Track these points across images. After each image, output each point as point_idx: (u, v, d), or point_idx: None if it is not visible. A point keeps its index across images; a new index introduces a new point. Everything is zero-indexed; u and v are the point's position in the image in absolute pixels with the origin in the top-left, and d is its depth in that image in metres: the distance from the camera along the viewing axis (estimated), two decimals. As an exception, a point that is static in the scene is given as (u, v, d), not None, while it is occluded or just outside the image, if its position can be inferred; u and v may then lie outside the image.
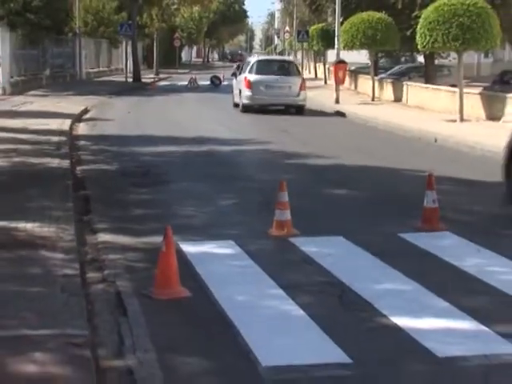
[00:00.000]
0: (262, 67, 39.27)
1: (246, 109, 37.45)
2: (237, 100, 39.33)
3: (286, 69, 40.40)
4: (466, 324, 8.68)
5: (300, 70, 46.26)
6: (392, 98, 44.94)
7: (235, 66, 57.27)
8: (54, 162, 18.63)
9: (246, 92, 37.30)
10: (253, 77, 37.70)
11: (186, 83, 61.37)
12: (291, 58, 75.67)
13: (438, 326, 8.61)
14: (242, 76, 38.44)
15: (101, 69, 69.89)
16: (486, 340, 8.23)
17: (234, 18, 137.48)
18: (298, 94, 37.71)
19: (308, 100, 38.81)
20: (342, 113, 36.69)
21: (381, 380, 7.28)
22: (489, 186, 18.15)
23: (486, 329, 8.50)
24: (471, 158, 23.34)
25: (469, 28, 30.93)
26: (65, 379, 6.70)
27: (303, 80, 38.92)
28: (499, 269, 10.93)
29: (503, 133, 27.53)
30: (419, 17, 34.59)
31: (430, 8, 32.91)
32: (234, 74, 44.05)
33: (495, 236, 12.76)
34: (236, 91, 39.89)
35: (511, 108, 31.44)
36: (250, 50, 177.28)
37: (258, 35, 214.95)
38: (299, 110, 37.76)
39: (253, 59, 43.84)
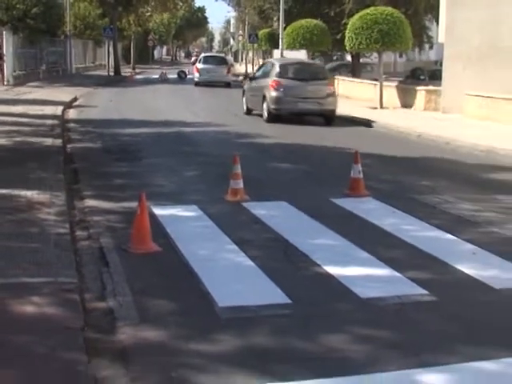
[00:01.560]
0: (206, 59, 53.67)
1: (197, 84, 49.89)
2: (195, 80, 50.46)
3: (220, 60, 55.13)
4: (384, 271, 8.76)
5: (227, 60, 58.51)
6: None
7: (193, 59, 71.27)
8: (49, 141, 18.48)
9: (196, 74, 50.89)
10: (200, 65, 51.63)
11: (158, 76, 61.26)
12: (224, 55, 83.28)
13: (361, 273, 8.67)
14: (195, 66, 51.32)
15: (87, 64, 69.44)
16: (398, 284, 8.31)
17: (197, 23, 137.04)
18: (227, 75, 51.57)
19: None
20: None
21: (315, 317, 7.29)
22: (403, 160, 18.31)
23: (399, 275, 8.59)
24: (389, 137, 23.46)
25: (387, 33, 31.76)
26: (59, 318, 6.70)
27: (230, 66, 50.60)
28: (410, 227, 11.02)
29: (413, 117, 27.91)
30: (347, 24, 34.90)
31: (356, 17, 33.52)
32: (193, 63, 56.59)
33: (407, 201, 12.83)
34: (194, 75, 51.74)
35: (420, 98, 31.72)
36: (210, 49, 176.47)
37: (217, 37, 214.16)
38: (228, 84, 49.39)
39: (201, 55, 60.77)
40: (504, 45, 27.03)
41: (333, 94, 27.92)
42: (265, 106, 27.22)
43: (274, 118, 26.82)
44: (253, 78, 30.94)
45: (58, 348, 6.05)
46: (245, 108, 30.05)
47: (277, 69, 27.86)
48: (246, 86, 31.17)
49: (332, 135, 23.38)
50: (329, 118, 27.24)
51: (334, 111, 27.43)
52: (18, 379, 5.45)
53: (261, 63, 43.54)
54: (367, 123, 26.85)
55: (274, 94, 26.75)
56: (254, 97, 28.84)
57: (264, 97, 27.24)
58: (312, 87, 27.31)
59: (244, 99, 30.46)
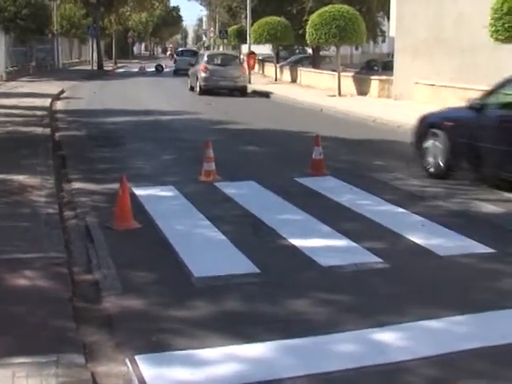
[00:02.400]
0: (181, 52, 55.39)
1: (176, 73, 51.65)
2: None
3: (194, 53, 52.81)
4: (342, 242, 8.79)
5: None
6: (289, 79, 45.04)
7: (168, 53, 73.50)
8: (39, 130, 18.35)
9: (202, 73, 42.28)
10: (179, 58, 53.38)
11: (137, 70, 61.13)
12: (195, 48, 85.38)
13: (322, 244, 8.70)
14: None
15: (73, 60, 68.88)
16: (355, 253, 8.35)
17: (172, 21, 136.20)
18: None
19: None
20: (257, 91, 36.46)
21: (281, 284, 7.31)
22: (360, 142, 18.34)
23: (356, 245, 8.62)
24: (347, 122, 23.47)
25: (343, 28, 31.88)
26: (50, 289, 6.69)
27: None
28: (366, 202, 11.05)
29: (369, 104, 27.93)
30: (308, 20, 34.87)
31: (316, 14, 33.56)
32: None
33: (363, 178, 12.86)
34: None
35: (374, 86, 31.81)
36: (185, 45, 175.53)
37: (191, 34, 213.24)
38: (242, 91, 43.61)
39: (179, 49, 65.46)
40: (446, 37, 27.18)
41: (243, 75, 36.06)
42: (197, 83, 34.51)
43: (204, 91, 33.77)
44: (192, 65, 37.87)
45: (49, 317, 6.04)
46: (188, 86, 37.40)
47: (205, 58, 36.01)
48: (189, 71, 38.10)
49: (294, 120, 23.34)
50: (241, 92, 34.44)
51: (245, 87, 35.19)
52: (15, 345, 5.41)
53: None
54: (326, 109, 26.85)
55: (203, 75, 34.09)
56: (193, 77, 36.15)
57: (197, 77, 34.56)
58: (229, 70, 34.66)
59: (188, 80, 37.97)
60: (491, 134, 12.00)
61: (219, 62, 35.48)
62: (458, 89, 24.87)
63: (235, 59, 38.00)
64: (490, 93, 12.55)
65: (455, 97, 24.92)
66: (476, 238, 8.96)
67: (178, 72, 51.01)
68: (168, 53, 71.75)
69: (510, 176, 11.54)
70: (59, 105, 27.86)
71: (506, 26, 18.03)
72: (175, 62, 55.17)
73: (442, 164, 12.93)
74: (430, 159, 13.27)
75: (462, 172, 12.80)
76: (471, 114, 12.47)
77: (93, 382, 4.97)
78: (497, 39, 18.72)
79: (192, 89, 36.10)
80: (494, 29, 18.51)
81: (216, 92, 33.44)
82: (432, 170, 13.19)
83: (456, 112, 13.58)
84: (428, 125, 13.64)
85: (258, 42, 44.32)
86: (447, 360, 5.54)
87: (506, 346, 5.82)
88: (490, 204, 10.99)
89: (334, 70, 34.70)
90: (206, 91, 33.46)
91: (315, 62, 46.23)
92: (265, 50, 51.03)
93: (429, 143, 13.33)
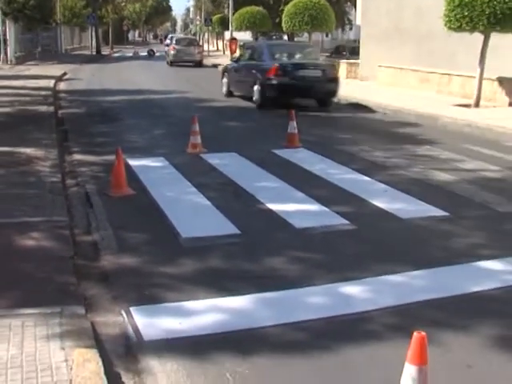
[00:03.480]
0: (178, 41, 47.13)
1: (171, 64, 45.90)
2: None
3: (191, 41, 49.40)
4: (314, 206, 8.76)
5: (198, 41, 54.65)
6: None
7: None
8: (43, 108, 18.17)
9: (171, 51, 45.09)
10: (177, 47, 46.01)
11: (132, 54, 60.73)
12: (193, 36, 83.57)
13: (296, 208, 8.67)
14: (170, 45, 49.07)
15: (74, 46, 68.35)
16: (326, 216, 8.32)
17: (162, 11, 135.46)
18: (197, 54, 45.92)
19: (211, 62, 45.76)
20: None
21: (259, 243, 7.29)
22: (330, 118, 18.30)
23: (326, 209, 8.61)
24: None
25: (315, 17, 32.02)
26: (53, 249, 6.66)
27: (199, 47, 48.63)
28: (335, 171, 11.02)
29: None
30: (284, 10, 34.80)
31: (291, 4, 33.62)
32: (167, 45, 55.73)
33: (333, 150, 12.81)
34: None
35: (343, 69, 31.75)
36: (174, 32, 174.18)
37: (179, 22, 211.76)
38: (198, 63, 44.26)
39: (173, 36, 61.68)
40: (406, 26, 27.26)
41: (200, 52, 45.48)
42: (168, 59, 45.14)
43: (172, 64, 43.30)
44: (167, 45, 48.50)
45: (53, 273, 6.02)
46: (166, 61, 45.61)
47: (174, 40, 46.95)
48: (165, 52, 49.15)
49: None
50: (198, 64, 42.99)
51: (200, 61, 44.05)
52: (23, 298, 5.40)
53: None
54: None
55: (172, 52, 44.19)
56: (166, 56, 46.88)
57: (168, 54, 45.36)
58: (190, 49, 44.18)
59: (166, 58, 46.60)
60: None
61: (183, 43, 45.27)
62: (415, 71, 24.92)
63: (195, 41, 49.20)
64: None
65: (414, 78, 24.99)
66: (432, 202, 8.97)
67: (176, 64, 43.45)
68: (166, 41, 71.64)
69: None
70: (62, 85, 27.59)
71: (458, 16, 18.21)
72: (174, 52, 44.29)
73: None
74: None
75: None
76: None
77: (92, 331, 4.96)
78: (450, 28, 18.88)
79: (170, 63, 44.06)
80: (447, 19, 18.66)
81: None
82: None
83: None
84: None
85: (239, 29, 44.48)
86: (405, 310, 5.55)
87: (457, 296, 5.85)
88: (444, 173, 11.00)
89: (307, 55, 34.61)
90: (173, 64, 43.24)
91: (290, 47, 46.18)
92: (245, 36, 50.67)
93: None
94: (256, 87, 20.18)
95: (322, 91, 20.32)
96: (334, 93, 20.66)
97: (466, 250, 7.20)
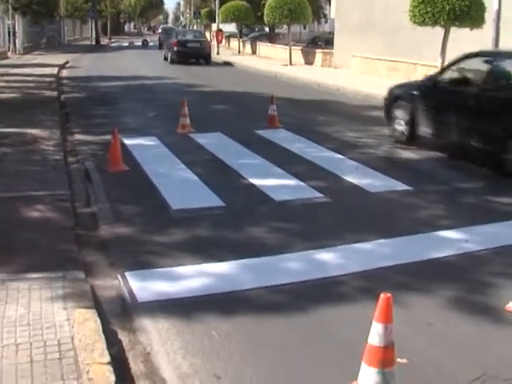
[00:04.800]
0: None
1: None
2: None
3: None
4: (292, 182, 8.74)
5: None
6: (250, 52, 44.60)
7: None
8: (48, 93, 18.00)
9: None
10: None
11: (127, 44, 60.30)
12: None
13: (276, 183, 8.64)
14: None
15: (76, 37, 67.56)
16: (303, 190, 8.31)
17: (155, 5, 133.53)
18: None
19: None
20: (225, 61, 36.12)
21: (242, 215, 7.29)
22: (306, 102, 18.21)
23: (304, 184, 8.59)
24: (296, 86, 23.16)
25: (294, 11, 31.87)
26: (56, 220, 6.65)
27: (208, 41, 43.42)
28: (311, 149, 10.98)
29: (313, 71, 27.69)
30: (265, 4, 34.55)
31: (272, -1, 33.22)
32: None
33: (309, 130, 12.75)
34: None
35: (319, 58, 31.68)
36: (166, 24, 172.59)
37: (171, 15, 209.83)
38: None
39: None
40: (375, 21, 27.17)
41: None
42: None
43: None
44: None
45: (56, 241, 6.02)
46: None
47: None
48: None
49: (254, 84, 23.07)
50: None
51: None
52: (30, 264, 5.41)
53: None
54: (280, 75, 26.63)
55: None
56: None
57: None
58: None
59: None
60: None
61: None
62: (385, 61, 24.86)
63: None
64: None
65: (383, 67, 24.93)
66: (398, 178, 8.98)
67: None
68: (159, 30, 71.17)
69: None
70: (64, 73, 27.26)
71: (421, 12, 18.22)
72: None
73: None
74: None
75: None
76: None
77: (91, 293, 4.96)
78: (414, 22, 18.89)
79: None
80: (412, 14, 18.66)
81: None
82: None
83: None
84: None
85: (224, 21, 44.10)
86: (373, 274, 5.56)
87: (419, 262, 5.88)
88: (409, 152, 11.01)
89: (287, 45, 34.41)
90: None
91: (271, 38, 45.93)
92: (230, 28, 50.42)
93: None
94: (169, 53, 33.86)
95: (200, 55, 33.89)
96: (208, 56, 34.06)
97: (427, 220, 7.22)
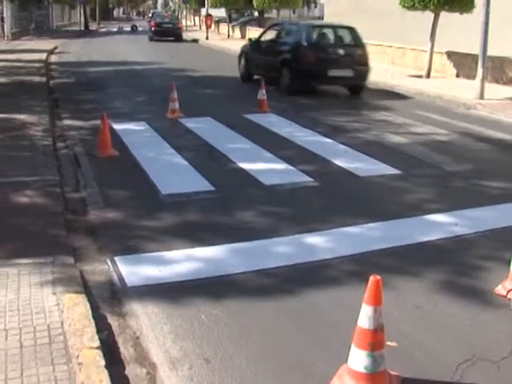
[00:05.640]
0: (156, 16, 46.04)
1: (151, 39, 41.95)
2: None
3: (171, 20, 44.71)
4: (281, 166, 8.73)
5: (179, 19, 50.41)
6: (240, 36, 44.29)
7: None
8: (37, 79, 17.82)
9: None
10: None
11: (116, 29, 59.93)
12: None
13: (265, 167, 8.63)
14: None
15: (64, 22, 67.02)
16: (292, 174, 8.31)
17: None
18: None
19: (189, 36, 44.20)
20: (214, 46, 35.96)
21: (232, 199, 7.26)
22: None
23: (293, 168, 8.58)
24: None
25: None
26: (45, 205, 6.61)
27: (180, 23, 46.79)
28: (301, 134, 10.97)
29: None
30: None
31: (261, -17, 33.48)
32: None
33: (299, 115, 12.75)
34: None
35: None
36: (155, 9, 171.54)
37: (160, 1, 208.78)
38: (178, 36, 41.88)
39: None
40: (365, 6, 27.13)
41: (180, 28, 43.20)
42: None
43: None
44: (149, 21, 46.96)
45: (46, 226, 5.99)
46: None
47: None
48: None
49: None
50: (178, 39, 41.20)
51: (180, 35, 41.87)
52: (19, 249, 5.39)
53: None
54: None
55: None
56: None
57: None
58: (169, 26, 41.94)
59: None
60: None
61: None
62: (374, 45, 24.80)
63: (176, 19, 46.45)
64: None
65: (371, 51, 24.86)
66: (387, 162, 8.99)
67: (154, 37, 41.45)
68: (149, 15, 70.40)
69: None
70: (53, 58, 27.02)
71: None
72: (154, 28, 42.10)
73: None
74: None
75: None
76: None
77: (81, 278, 4.94)
78: (404, 7, 18.91)
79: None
80: (401, -1, 18.70)
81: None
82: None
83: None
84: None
85: (214, 6, 43.98)
86: (362, 258, 5.57)
87: (408, 246, 5.88)
88: (398, 136, 11.01)
89: (276, 29, 34.37)
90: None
91: (260, 22, 45.63)
92: (220, 12, 50.13)
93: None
94: (149, 34, 41.44)
95: (174, 34, 40.66)
96: (179, 35, 41.18)
97: (416, 204, 7.23)
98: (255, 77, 17.74)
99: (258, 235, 6.06)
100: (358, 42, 16.27)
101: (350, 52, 16.01)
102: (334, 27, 17.27)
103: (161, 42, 39.27)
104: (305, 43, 15.91)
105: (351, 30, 16.51)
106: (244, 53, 18.90)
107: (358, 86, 16.18)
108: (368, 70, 15.97)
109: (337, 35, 16.91)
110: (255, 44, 18.37)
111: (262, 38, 18.26)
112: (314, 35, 16.53)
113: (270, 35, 18.15)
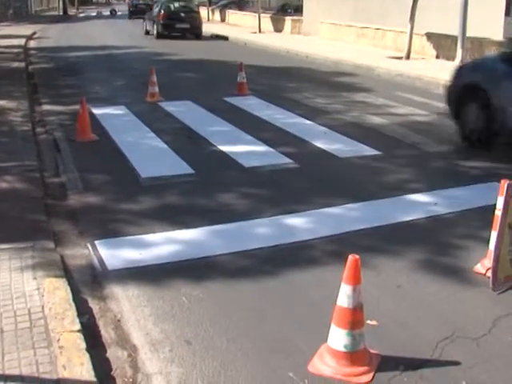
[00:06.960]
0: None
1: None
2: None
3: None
4: (261, 148, 8.72)
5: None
6: (219, 19, 44.07)
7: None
8: (15, 64, 17.68)
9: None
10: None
11: (95, 14, 59.36)
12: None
13: (245, 150, 8.61)
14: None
15: (43, 7, 66.40)
16: (272, 156, 8.30)
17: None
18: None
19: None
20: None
21: (211, 181, 7.24)
22: (275, 69, 18.06)
23: (273, 150, 8.58)
24: (265, 53, 22.98)
25: None
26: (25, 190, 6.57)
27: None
28: (280, 116, 10.95)
29: (283, 39, 27.52)
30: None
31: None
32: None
33: (278, 97, 12.71)
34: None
35: (288, 25, 31.42)
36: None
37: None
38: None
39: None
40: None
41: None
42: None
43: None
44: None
45: (25, 212, 5.97)
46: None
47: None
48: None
49: (222, 52, 22.86)
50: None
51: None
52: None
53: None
54: (249, 43, 26.43)
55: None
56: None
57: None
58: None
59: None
60: None
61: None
62: (353, 27, 24.78)
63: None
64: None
65: (351, 33, 24.86)
66: (367, 143, 9.01)
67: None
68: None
69: None
70: (32, 43, 26.76)
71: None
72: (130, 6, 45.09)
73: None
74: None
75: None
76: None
77: (61, 262, 4.92)
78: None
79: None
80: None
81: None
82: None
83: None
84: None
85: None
86: (342, 238, 5.59)
87: (387, 226, 5.92)
88: (378, 117, 11.03)
89: (256, 12, 34.13)
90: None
91: (240, 5, 45.57)
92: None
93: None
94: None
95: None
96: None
97: (396, 184, 7.26)
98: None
99: (238, 217, 6.06)
100: (193, 10, 30.12)
101: (189, 14, 29.23)
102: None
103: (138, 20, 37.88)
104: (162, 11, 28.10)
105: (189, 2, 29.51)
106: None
107: (195, 33, 29.23)
108: (199, 24, 29.62)
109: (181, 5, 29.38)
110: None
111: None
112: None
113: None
